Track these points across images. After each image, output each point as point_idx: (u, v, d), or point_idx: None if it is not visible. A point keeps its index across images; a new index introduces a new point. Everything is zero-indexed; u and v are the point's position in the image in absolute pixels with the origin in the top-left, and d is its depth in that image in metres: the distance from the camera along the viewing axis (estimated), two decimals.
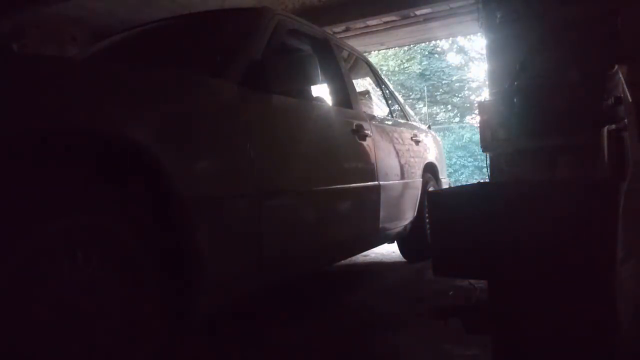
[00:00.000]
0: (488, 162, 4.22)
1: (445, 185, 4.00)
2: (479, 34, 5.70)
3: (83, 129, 1.13)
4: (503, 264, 1.32)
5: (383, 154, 2.76)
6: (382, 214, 2.67)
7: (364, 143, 2.54)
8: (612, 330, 1.14)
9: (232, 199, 1.55)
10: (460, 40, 16.13)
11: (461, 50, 17.29)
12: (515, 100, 3.82)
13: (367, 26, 5.21)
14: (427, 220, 3.36)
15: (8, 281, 0.95)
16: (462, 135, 16.58)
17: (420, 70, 17.45)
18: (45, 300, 1.01)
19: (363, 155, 2.53)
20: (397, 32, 5.33)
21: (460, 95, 17.88)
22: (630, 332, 1.08)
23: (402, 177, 3.03)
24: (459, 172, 15.46)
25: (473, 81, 17.28)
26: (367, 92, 3.82)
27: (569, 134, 3.48)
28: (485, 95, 10.70)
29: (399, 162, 3.02)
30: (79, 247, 1.09)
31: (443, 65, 17.61)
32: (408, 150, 3.25)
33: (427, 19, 5.07)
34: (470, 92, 17.51)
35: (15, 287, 0.96)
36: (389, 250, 4.00)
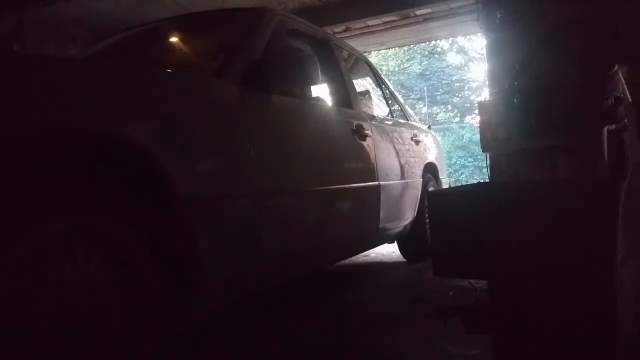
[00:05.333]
0: (488, 162, 4.22)
1: (445, 185, 4.00)
2: (479, 34, 5.70)
3: (83, 129, 1.13)
4: (503, 264, 1.32)
5: (383, 154, 2.76)
6: (382, 214, 2.67)
7: (364, 143, 2.54)
8: (612, 330, 1.14)
9: (232, 199, 1.55)
10: (460, 40, 16.15)
11: (461, 50, 17.31)
12: (515, 100, 3.81)
13: (367, 26, 5.21)
14: (427, 220, 3.36)
15: (8, 281, 0.95)
16: (462, 135, 16.58)
17: (420, 70, 17.47)
18: (45, 300, 1.01)
19: (363, 155, 2.53)
20: (397, 32, 5.32)
21: (460, 95, 17.89)
22: (630, 332, 1.08)
23: (402, 177, 3.03)
24: (459, 172, 15.47)
25: (473, 81, 17.30)
26: (367, 92, 3.81)
27: (569, 134, 3.48)
28: (485, 95, 10.70)
29: (399, 162, 3.02)
30: (79, 247, 1.09)
31: (443, 65, 17.63)
32: (408, 150, 3.25)
33: (427, 19, 5.06)
34: (470, 92, 17.52)
35: (15, 287, 0.96)
36: (389, 250, 4.00)
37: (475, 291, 2.31)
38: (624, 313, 1.11)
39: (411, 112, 4.20)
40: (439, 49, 17.37)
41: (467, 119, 17.11)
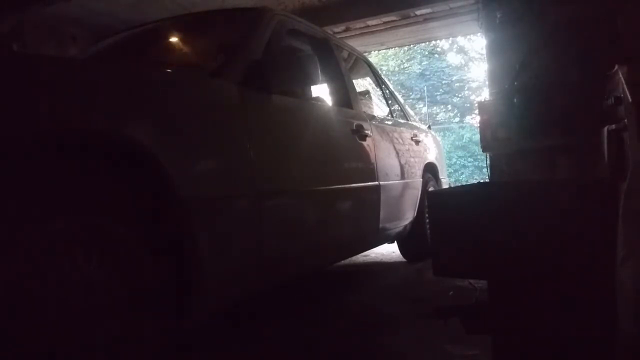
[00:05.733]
0: (488, 162, 4.22)
1: (445, 185, 4.00)
2: (479, 34, 5.70)
3: (83, 128, 1.13)
4: (503, 264, 1.32)
5: (383, 154, 2.76)
6: (382, 214, 2.67)
7: (364, 143, 2.54)
8: (612, 330, 1.14)
9: (232, 199, 1.55)
10: (460, 40, 16.14)
11: (461, 50, 17.30)
12: (515, 100, 3.82)
13: (367, 26, 5.21)
14: (427, 220, 3.36)
15: (8, 281, 0.95)
16: (462, 135, 16.58)
17: (420, 70, 17.47)
18: (45, 300, 1.01)
19: (363, 155, 2.53)
20: (397, 32, 5.32)
21: (460, 95, 17.89)
22: (630, 332, 1.08)
23: (402, 177, 3.03)
24: (459, 172, 15.47)
25: (473, 81, 17.30)
26: (367, 92, 3.82)
27: (569, 134, 3.48)
28: (485, 95, 10.70)
29: (399, 162, 3.02)
30: (79, 247, 1.09)
31: (443, 65, 17.63)
32: (408, 150, 3.25)
33: (427, 19, 5.06)
34: (470, 92, 17.52)
35: (15, 287, 0.96)
36: (389, 250, 4.00)
37: (475, 291, 2.31)
38: (624, 313, 1.11)
39: (411, 112, 4.20)
40: (439, 49, 17.37)
41: (467, 119, 17.10)
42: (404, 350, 1.81)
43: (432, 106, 17.79)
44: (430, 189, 3.56)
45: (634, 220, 1.12)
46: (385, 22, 5.15)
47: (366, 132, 2.57)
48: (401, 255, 3.62)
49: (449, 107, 18.06)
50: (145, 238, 1.23)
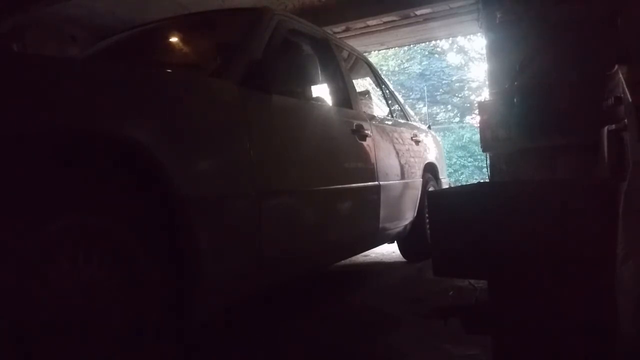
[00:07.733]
0: (488, 162, 4.22)
1: (445, 185, 4.00)
2: (479, 34, 5.70)
3: (83, 128, 1.13)
4: (503, 264, 1.32)
5: (383, 154, 2.76)
6: (382, 214, 2.67)
7: (364, 143, 2.54)
8: (612, 330, 1.14)
9: (232, 199, 1.55)
10: (460, 40, 16.14)
11: (461, 50, 17.30)
12: (515, 100, 3.82)
13: (367, 26, 5.20)
14: (427, 220, 3.36)
15: (8, 281, 0.95)
16: (462, 135, 16.58)
17: (420, 70, 17.47)
18: (45, 300, 1.01)
19: (363, 155, 2.53)
20: (397, 32, 5.32)
21: (460, 95, 17.89)
22: (630, 332, 1.08)
23: (402, 177, 3.03)
24: (459, 172, 15.46)
25: (473, 81, 17.29)
26: (367, 92, 3.81)
27: (569, 134, 3.48)
28: (485, 95, 10.70)
29: (399, 162, 3.02)
30: (79, 247, 1.09)
31: (443, 65, 17.63)
32: (408, 150, 3.25)
33: (427, 19, 5.06)
34: (470, 92, 17.52)
35: (15, 287, 0.96)
36: (389, 250, 4.00)
37: (475, 291, 2.31)
38: (624, 313, 1.11)
39: (411, 112, 4.20)
40: (439, 49, 17.37)
41: (467, 119, 17.10)
42: (404, 350, 1.81)
43: (432, 106, 17.79)
44: (430, 189, 3.56)
45: (634, 220, 1.12)
46: (385, 22, 5.15)
47: (366, 132, 2.57)
48: (401, 255, 3.62)
49: (449, 107, 18.06)
50: (145, 238, 1.23)
